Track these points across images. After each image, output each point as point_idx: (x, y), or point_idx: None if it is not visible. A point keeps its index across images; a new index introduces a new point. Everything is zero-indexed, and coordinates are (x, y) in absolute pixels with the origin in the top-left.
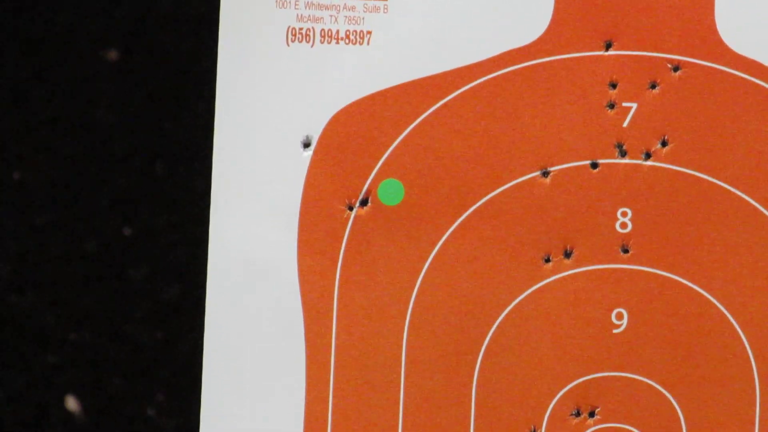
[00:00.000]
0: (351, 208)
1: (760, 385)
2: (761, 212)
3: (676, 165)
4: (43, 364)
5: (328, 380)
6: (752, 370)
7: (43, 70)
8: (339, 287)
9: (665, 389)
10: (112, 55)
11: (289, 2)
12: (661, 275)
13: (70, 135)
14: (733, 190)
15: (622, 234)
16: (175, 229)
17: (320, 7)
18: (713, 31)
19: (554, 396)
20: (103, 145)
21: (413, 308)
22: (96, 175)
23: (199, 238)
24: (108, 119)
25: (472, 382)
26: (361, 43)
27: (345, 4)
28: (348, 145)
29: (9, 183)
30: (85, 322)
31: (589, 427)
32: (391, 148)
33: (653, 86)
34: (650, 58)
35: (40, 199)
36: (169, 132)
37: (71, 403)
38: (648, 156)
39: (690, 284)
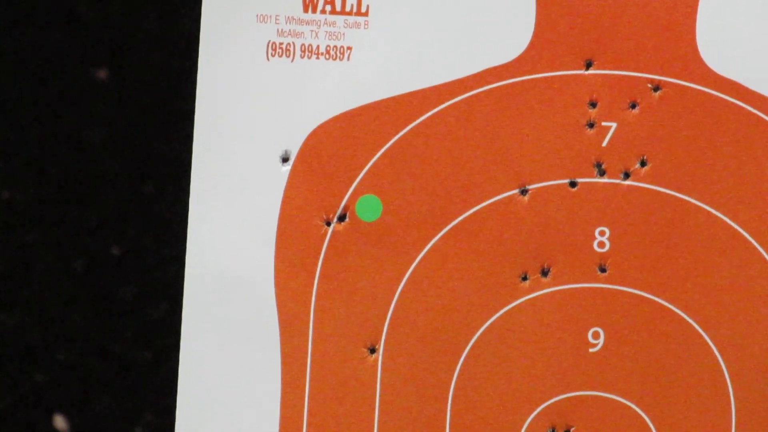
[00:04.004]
0: (329, 224)
1: (735, 406)
2: (739, 233)
3: (655, 185)
4: (31, 382)
5: (303, 395)
6: (728, 390)
7: (31, 88)
8: (315, 302)
9: (641, 409)
10: (101, 74)
11: (270, 17)
12: (638, 295)
13: (58, 153)
14: (711, 210)
15: (600, 253)
16: (164, 248)
17: (301, 22)
18: (694, 51)
19: (529, 414)
20: (92, 163)
21: (389, 325)
22: (84, 194)
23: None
24: (97, 138)
25: (447, 400)
26: (341, 59)
27: (326, 19)
28: (326, 160)
29: None
30: (73, 340)
31: None
32: (369, 164)
33: (633, 106)
34: (630, 77)
35: (28, 217)
36: (158, 151)
37: (59, 422)
38: (627, 175)
39: (667, 304)
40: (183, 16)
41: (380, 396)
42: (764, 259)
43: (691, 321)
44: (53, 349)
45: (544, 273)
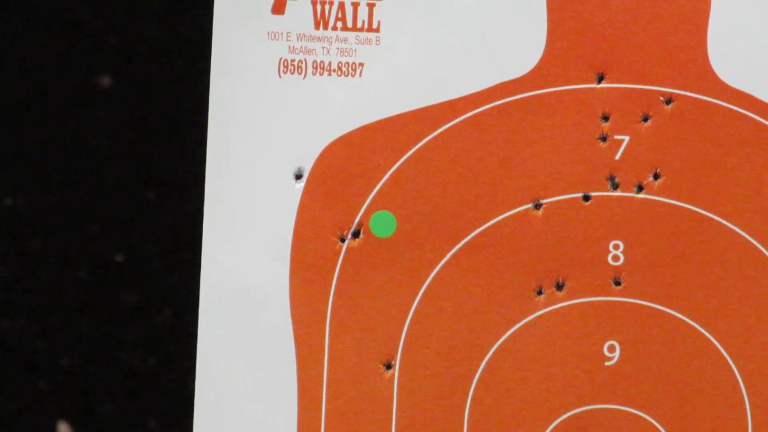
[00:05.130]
0: (343, 240)
1: (752, 419)
2: (754, 245)
3: (669, 198)
4: (35, 389)
5: (320, 411)
6: (744, 403)
7: (35, 95)
8: (331, 318)
9: (657, 422)
10: (105, 81)
11: (282, 34)
12: (653, 308)
13: (61, 160)
14: (725, 223)
15: (614, 266)
16: (167, 255)
17: (312, 38)
18: (706, 63)
19: (546, 428)
20: (96, 171)
21: (405, 340)
22: (88, 201)
23: (190, 264)
24: (100, 145)
25: (464, 414)
26: (353, 75)
27: (337, 36)
28: (340, 176)
29: (1, 208)
30: (77, 347)
31: None
32: (383, 180)
33: (645, 119)
34: (642, 90)
35: (31, 224)
36: (162, 158)
37: (63, 429)
38: (640, 189)
39: (682, 317)
40: (187, 24)
41: (397, 412)
42: None
43: (706, 333)
44: (57, 355)
45: (559, 287)
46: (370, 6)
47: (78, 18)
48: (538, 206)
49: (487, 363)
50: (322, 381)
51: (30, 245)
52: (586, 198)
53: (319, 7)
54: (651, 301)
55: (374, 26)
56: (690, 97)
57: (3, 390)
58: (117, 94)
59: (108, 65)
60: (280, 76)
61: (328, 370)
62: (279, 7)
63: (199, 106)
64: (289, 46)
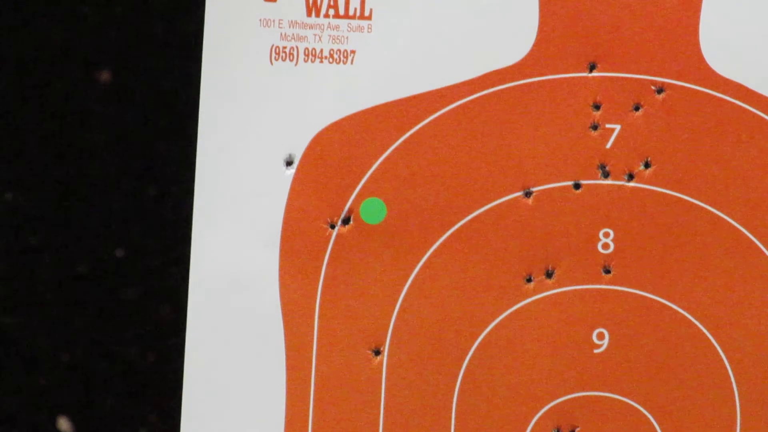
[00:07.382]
0: (333, 227)
1: (740, 406)
2: (743, 234)
3: (659, 186)
4: (35, 384)
5: (308, 398)
6: (732, 390)
7: (34, 90)
8: (320, 305)
9: (645, 409)
10: (104, 76)
11: (273, 21)
12: (643, 296)
13: (61, 156)
14: (715, 211)
15: (604, 254)
16: (167, 249)
17: (304, 26)
18: (697, 53)
19: (534, 415)
20: (95, 165)
21: (394, 326)
22: (87, 196)
23: (190, 259)
24: (99, 140)
25: (452, 401)
26: (344, 63)
27: (329, 23)
28: (331, 163)
29: (0, 204)
30: (77, 342)
31: None
32: (373, 167)
33: (637, 108)
34: (634, 80)
35: (31, 219)
36: (161, 153)
37: (63, 424)
38: (631, 177)
39: (671, 305)
40: (186, 19)
41: (385, 397)
42: None
43: (695, 321)
44: (57, 351)
45: (549, 275)
46: None
47: (77, 12)
48: (528, 194)
49: (476, 350)
50: (311, 366)
51: (30, 240)
52: (577, 186)
53: None
54: (640, 289)
55: (366, 14)
56: (681, 86)
57: (3, 385)
58: (116, 89)
59: (107, 60)
60: (271, 63)
61: (317, 356)
62: None
63: (199, 99)
64: (281, 33)
